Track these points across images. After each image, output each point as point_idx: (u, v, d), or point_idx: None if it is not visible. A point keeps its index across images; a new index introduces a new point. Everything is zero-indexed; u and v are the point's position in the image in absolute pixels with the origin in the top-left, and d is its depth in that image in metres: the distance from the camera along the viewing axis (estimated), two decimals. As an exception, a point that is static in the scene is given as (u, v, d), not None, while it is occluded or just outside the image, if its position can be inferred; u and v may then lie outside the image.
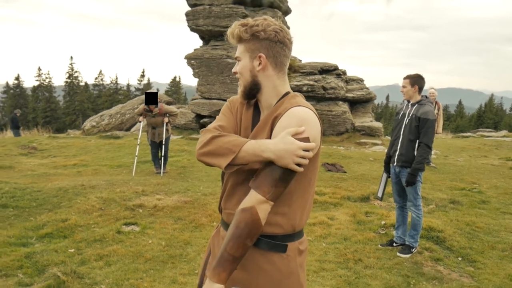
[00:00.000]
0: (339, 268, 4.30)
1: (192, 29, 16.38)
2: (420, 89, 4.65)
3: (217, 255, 1.53)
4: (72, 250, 4.49)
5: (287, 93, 1.68)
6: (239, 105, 1.79)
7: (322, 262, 4.43)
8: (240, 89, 1.71)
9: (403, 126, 4.65)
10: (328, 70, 15.72)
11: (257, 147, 1.51)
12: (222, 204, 1.75)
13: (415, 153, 4.55)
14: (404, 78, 4.70)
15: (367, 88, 16.29)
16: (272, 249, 1.61)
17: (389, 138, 17.34)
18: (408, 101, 4.72)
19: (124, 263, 4.23)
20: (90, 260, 4.28)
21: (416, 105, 4.62)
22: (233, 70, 1.72)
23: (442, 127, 9.83)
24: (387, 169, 4.90)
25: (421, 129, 4.50)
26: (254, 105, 1.76)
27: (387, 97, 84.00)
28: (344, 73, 16.13)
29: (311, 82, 14.74)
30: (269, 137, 1.58)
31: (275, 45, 1.63)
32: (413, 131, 4.55)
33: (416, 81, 4.62)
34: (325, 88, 14.96)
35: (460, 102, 66.19)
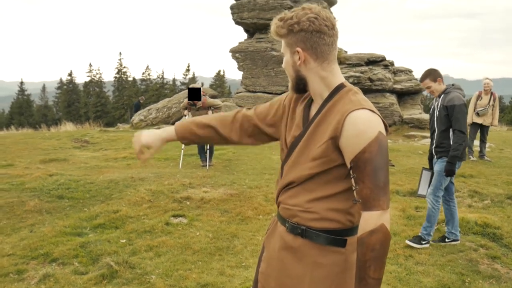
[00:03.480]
0: (389, 264, 4.18)
1: (236, 22, 16.44)
2: (442, 79, 4.57)
3: (357, 278, 1.50)
4: (124, 241, 4.63)
5: (341, 86, 1.61)
6: (293, 100, 1.77)
7: (371, 257, 4.32)
8: (289, 84, 1.71)
9: (435, 119, 4.60)
10: (375, 61, 15.33)
11: None
12: (280, 198, 1.72)
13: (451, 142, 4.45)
14: (422, 80, 4.62)
15: (415, 79, 15.76)
16: (331, 244, 1.59)
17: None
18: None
19: (173, 254, 4.32)
20: (141, 250, 4.39)
21: (443, 95, 4.54)
22: (283, 65, 1.71)
23: (498, 119, 9.36)
24: (431, 165, 4.79)
25: (451, 116, 4.39)
26: (307, 99, 1.72)
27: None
28: (392, 64, 15.68)
29: (357, 74, 14.44)
30: (330, 140, 1.52)
31: (312, 35, 1.54)
32: (443, 121, 4.47)
33: (435, 75, 4.55)
34: (372, 80, 14.61)
35: (515, 92, 62.71)
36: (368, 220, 1.47)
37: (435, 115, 4.61)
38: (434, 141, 4.62)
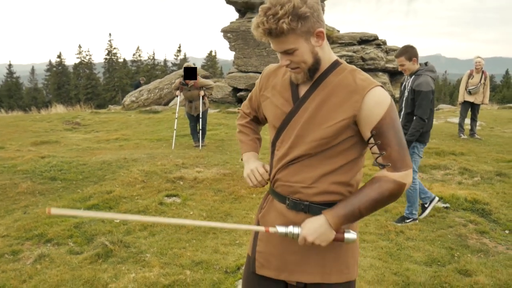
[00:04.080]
0: (380, 240, 4.26)
1: (228, 2, 16.24)
2: (417, 58, 4.46)
3: (342, 203, 1.58)
4: (118, 221, 4.65)
5: (337, 62, 1.62)
6: (269, 76, 1.79)
7: (363, 233, 4.40)
8: (300, 75, 1.59)
9: (404, 99, 4.57)
10: (367, 40, 15.28)
11: None
12: (278, 175, 1.70)
13: None
14: (398, 57, 4.49)
15: (414, 60, 15.71)
16: None
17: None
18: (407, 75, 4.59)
19: (167, 233, 4.36)
20: (135, 230, 4.43)
21: (413, 76, 4.48)
22: (284, 63, 1.57)
23: (489, 97, 9.42)
24: None
25: (415, 101, 4.38)
26: (287, 73, 1.71)
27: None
28: (384, 43, 15.64)
29: (350, 53, 14.39)
30: (345, 119, 1.55)
31: (319, 10, 1.51)
32: (409, 104, 4.46)
33: (411, 53, 4.44)
34: (364, 59, 14.58)
35: (507, 72, 62.99)
36: (397, 176, 1.56)
37: (404, 95, 4.57)
38: (400, 121, 4.61)
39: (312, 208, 1.63)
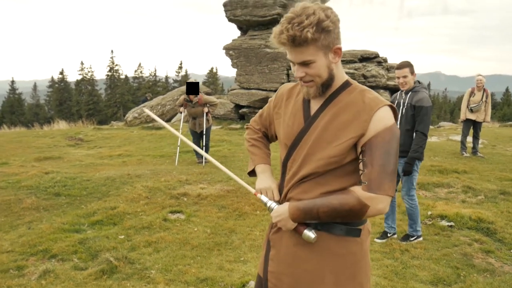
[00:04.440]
0: (385, 258, 4.25)
1: (230, 20, 16.44)
2: (415, 75, 4.49)
3: (307, 200, 1.62)
4: (122, 237, 4.65)
5: (348, 82, 1.66)
6: (284, 96, 1.82)
7: (368, 252, 4.38)
8: (312, 90, 1.62)
9: (399, 116, 4.49)
10: (368, 58, 15.41)
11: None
12: (290, 194, 1.72)
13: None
14: (400, 68, 4.44)
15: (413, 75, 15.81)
16: (348, 234, 1.65)
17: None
18: (402, 91, 4.55)
19: (171, 250, 4.35)
20: (140, 246, 4.42)
21: (410, 92, 4.46)
22: (299, 75, 1.59)
23: (490, 115, 9.46)
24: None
25: (417, 117, 4.35)
26: (300, 93, 1.76)
27: (429, 85, 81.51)
28: (385, 60, 15.77)
29: (351, 71, 14.50)
30: (353, 138, 1.56)
31: (339, 28, 1.57)
32: (409, 120, 4.42)
33: (413, 68, 4.45)
34: (366, 77, 14.68)
35: (507, 90, 63.29)
36: (367, 197, 1.54)
37: (400, 112, 4.51)
38: None
39: (325, 225, 1.65)
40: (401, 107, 4.51)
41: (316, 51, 1.52)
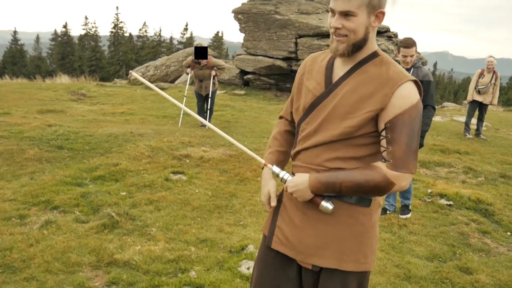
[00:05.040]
0: (383, 232, 4.30)
1: (240, -17, 16.03)
2: None
3: (330, 173, 1.59)
4: (124, 193, 4.68)
5: (376, 52, 1.62)
6: (309, 64, 1.77)
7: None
8: (342, 46, 1.56)
9: None
10: (379, 31, 15.10)
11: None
12: (300, 156, 1.72)
13: None
14: (409, 47, 4.31)
15: (418, 53, 15.60)
16: (358, 203, 1.64)
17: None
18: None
19: (172, 209, 4.38)
20: (141, 204, 4.45)
21: (413, 69, 4.42)
22: (336, 25, 1.53)
23: (497, 98, 9.38)
24: None
25: (425, 91, 4.31)
26: (326, 59, 1.72)
27: (435, 64, 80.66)
28: (396, 35, 15.48)
29: (360, 44, 14.29)
30: (372, 111, 1.54)
31: None
32: None
33: (416, 46, 4.39)
34: (374, 51, 14.46)
35: (513, 74, 62.64)
36: (392, 175, 1.53)
37: None
38: None
39: None
40: None
41: (361, 6, 1.49)
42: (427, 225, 4.56)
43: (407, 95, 1.52)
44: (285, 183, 1.68)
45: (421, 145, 4.43)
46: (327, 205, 1.61)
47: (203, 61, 8.33)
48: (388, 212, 4.79)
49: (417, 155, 1.56)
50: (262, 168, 1.86)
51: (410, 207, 4.79)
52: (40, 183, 4.75)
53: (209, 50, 9.94)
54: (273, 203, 1.78)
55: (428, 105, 4.37)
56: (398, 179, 1.54)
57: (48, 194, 4.45)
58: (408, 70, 4.42)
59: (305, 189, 1.61)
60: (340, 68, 1.65)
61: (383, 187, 1.54)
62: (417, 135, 1.54)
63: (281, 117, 1.97)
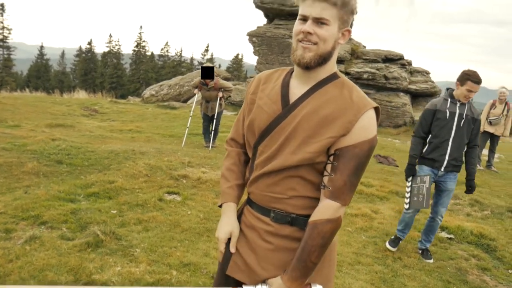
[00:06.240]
0: (376, 264, 4.14)
1: (257, 6, 16.27)
2: None
3: (294, 263, 1.53)
4: (114, 212, 4.63)
5: (335, 74, 1.57)
6: (260, 82, 1.71)
7: (359, 255, 4.28)
8: (309, 54, 1.49)
9: (454, 127, 4.11)
10: (392, 59, 15.08)
11: None
12: (257, 183, 1.64)
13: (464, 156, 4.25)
14: (479, 84, 4.04)
15: (432, 82, 15.48)
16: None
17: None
18: (453, 100, 4.16)
19: (161, 230, 4.31)
20: (130, 223, 4.39)
21: (467, 104, 4.14)
22: (308, 29, 1.46)
23: (510, 129, 9.17)
24: (413, 171, 4.32)
25: (475, 130, 4.15)
26: (280, 78, 1.66)
27: (455, 94, 79.74)
28: (409, 63, 15.41)
29: (373, 70, 14.23)
30: (333, 137, 1.49)
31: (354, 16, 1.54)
32: (467, 134, 4.13)
33: None
34: (387, 78, 14.39)
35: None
36: (328, 209, 1.50)
37: (455, 123, 4.11)
38: (448, 151, 4.14)
39: (298, 221, 1.59)
40: (456, 119, 4.12)
41: (336, 17, 1.47)
42: (424, 258, 4.39)
43: (367, 127, 1.48)
44: None
45: (473, 189, 4.31)
46: None
47: (211, 83, 8.37)
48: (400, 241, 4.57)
49: (354, 189, 1.52)
50: (220, 206, 1.76)
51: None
52: (33, 197, 4.74)
53: (223, 71, 10.01)
54: (233, 249, 1.69)
55: (475, 145, 4.23)
56: (338, 211, 1.51)
57: (38, 209, 4.43)
58: (462, 104, 4.13)
59: None
60: (297, 88, 1.58)
61: (336, 228, 1.52)
62: (362, 170, 1.51)
63: (231, 140, 1.84)
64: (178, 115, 12.82)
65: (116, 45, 63.62)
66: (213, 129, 8.61)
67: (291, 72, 1.66)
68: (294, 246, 1.59)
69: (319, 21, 1.45)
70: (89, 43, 64.96)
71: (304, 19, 1.48)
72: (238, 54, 67.93)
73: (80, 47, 66.46)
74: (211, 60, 64.13)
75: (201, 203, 5.20)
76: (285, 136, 1.54)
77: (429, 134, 4.27)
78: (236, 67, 65.47)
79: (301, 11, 1.48)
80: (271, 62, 15.24)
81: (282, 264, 1.60)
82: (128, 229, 4.24)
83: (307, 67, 1.51)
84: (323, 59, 1.50)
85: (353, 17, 1.52)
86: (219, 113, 8.66)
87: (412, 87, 14.93)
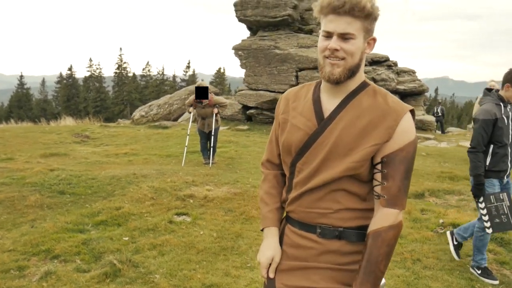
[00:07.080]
0: (396, 268, 4.12)
1: (240, 20, 16.35)
2: None
3: (362, 277, 1.48)
4: (126, 239, 4.55)
5: (366, 82, 1.57)
6: (292, 97, 1.69)
7: (378, 260, 4.25)
8: (338, 70, 1.47)
9: (511, 131, 3.90)
10: (378, 61, 15.26)
11: None
12: (300, 201, 1.60)
13: None
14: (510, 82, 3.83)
15: (419, 80, 15.69)
16: (358, 240, 1.58)
17: (440, 132, 16.51)
18: (504, 103, 3.91)
19: (176, 254, 4.24)
20: (144, 249, 4.31)
21: (509, 105, 3.96)
22: (334, 46, 1.44)
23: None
24: (481, 187, 3.85)
25: None
26: (309, 93, 1.64)
27: (436, 90, 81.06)
28: (395, 64, 15.61)
29: (361, 74, 14.38)
30: (377, 144, 1.48)
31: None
32: None
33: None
34: (375, 80, 14.54)
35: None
36: (389, 216, 1.49)
37: (508, 125, 3.90)
38: (509, 157, 3.91)
39: (345, 234, 1.56)
40: (506, 121, 3.90)
41: (361, 29, 1.45)
42: (442, 258, 4.37)
43: (408, 129, 1.49)
44: None
45: None
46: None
47: (205, 100, 8.36)
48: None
49: (408, 192, 1.53)
50: (262, 230, 1.73)
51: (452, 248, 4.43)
52: (41, 231, 4.63)
53: (210, 86, 10.00)
54: (272, 274, 1.66)
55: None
56: (398, 217, 1.51)
57: (48, 243, 4.33)
58: (505, 105, 3.92)
59: None
60: (329, 102, 1.57)
61: (399, 233, 1.52)
62: (411, 172, 1.52)
63: (267, 162, 1.80)
64: (171, 134, 12.75)
65: (97, 68, 63.41)
66: (211, 145, 8.57)
67: (319, 86, 1.64)
68: (344, 261, 1.56)
69: (345, 37, 1.44)
70: (69, 69, 64.56)
71: (329, 35, 1.46)
72: (220, 68, 68.17)
73: (61, 73, 66.01)
74: (193, 76, 64.16)
75: (212, 221, 5.14)
76: (325, 151, 1.52)
77: (489, 145, 3.92)
78: (220, 81, 65.62)
79: (324, 27, 1.46)
80: (259, 74, 15.29)
81: (333, 281, 1.57)
82: (144, 255, 4.16)
83: (337, 83, 1.51)
84: (352, 72, 1.50)
85: (375, 24, 1.51)
86: (216, 129, 8.63)
87: (401, 87, 15.10)
